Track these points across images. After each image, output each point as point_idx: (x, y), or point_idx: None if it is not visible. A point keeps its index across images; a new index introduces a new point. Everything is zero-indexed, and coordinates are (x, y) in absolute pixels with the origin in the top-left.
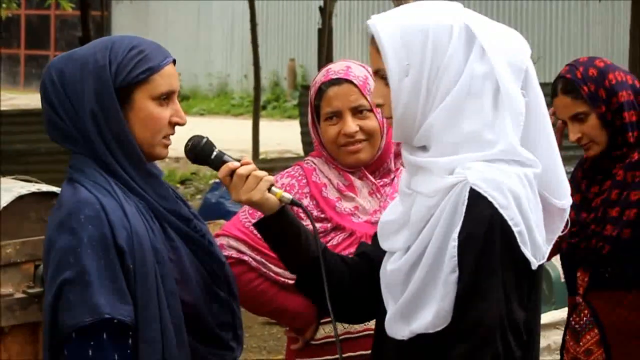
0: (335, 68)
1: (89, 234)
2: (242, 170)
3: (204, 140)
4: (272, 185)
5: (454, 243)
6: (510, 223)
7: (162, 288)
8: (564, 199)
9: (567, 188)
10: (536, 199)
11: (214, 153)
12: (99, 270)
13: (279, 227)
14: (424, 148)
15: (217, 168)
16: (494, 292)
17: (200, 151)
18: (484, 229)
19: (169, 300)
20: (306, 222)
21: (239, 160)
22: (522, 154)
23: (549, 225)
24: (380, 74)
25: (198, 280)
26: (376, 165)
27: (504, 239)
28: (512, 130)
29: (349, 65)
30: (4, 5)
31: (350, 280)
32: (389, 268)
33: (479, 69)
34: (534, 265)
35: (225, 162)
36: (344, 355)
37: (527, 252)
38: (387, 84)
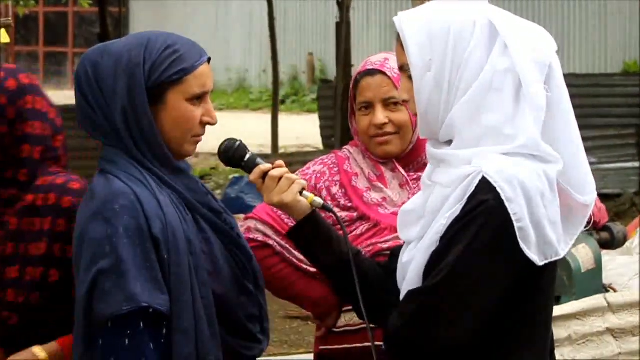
0: (374, 59)
1: (124, 223)
2: (275, 172)
3: (237, 143)
4: (303, 189)
5: (443, 222)
6: (513, 218)
7: (195, 279)
8: (587, 195)
9: (591, 184)
10: (553, 195)
11: (247, 156)
12: (135, 260)
13: (310, 230)
14: (449, 143)
15: (249, 171)
16: (459, 269)
17: (233, 154)
18: (477, 214)
19: (201, 291)
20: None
21: (272, 164)
22: (543, 149)
23: (571, 220)
24: (405, 70)
25: (229, 273)
26: (409, 158)
27: (501, 231)
28: (532, 125)
29: (387, 57)
30: (22, 3)
31: (384, 281)
32: (405, 259)
33: (500, 64)
34: (538, 262)
35: (257, 165)
36: (361, 345)
37: (527, 249)
38: (411, 80)
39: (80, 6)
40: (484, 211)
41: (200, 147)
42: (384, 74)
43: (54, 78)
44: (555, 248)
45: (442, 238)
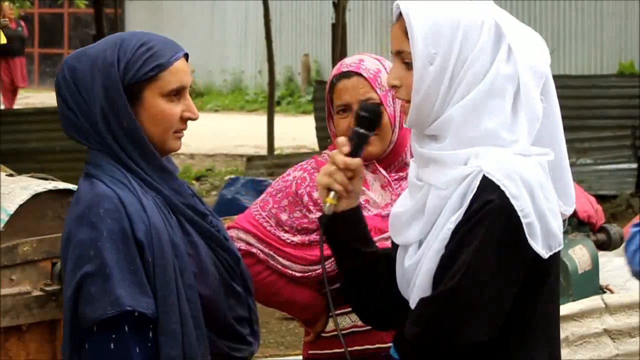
0: (348, 61)
1: (108, 227)
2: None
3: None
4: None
5: (450, 226)
6: (520, 214)
7: (181, 281)
8: (567, 206)
9: (572, 194)
10: (549, 184)
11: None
12: (119, 263)
13: (349, 224)
14: (433, 138)
15: (360, 144)
16: (472, 270)
17: (371, 118)
18: (484, 215)
19: (187, 294)
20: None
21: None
22: (534, 152)
23: None
24: (402, 56)
25: (215, 275)
26: (390, 159)
27: (509, 229)
28: (527, 133)
29: (362, 58)
30: (17, 4)
31: (389, 285)
32: (407, 264)
33: (504, 69)
34: (544, 256)
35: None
36: (351, 349)
37: (536, 244)
38: (407, 68)
39: (76, 7)
40: (491, 211)
41: (197, 149)
42: (360, 75)
43: (49, 79)
44: (558, 238)
45: (450, 241)
